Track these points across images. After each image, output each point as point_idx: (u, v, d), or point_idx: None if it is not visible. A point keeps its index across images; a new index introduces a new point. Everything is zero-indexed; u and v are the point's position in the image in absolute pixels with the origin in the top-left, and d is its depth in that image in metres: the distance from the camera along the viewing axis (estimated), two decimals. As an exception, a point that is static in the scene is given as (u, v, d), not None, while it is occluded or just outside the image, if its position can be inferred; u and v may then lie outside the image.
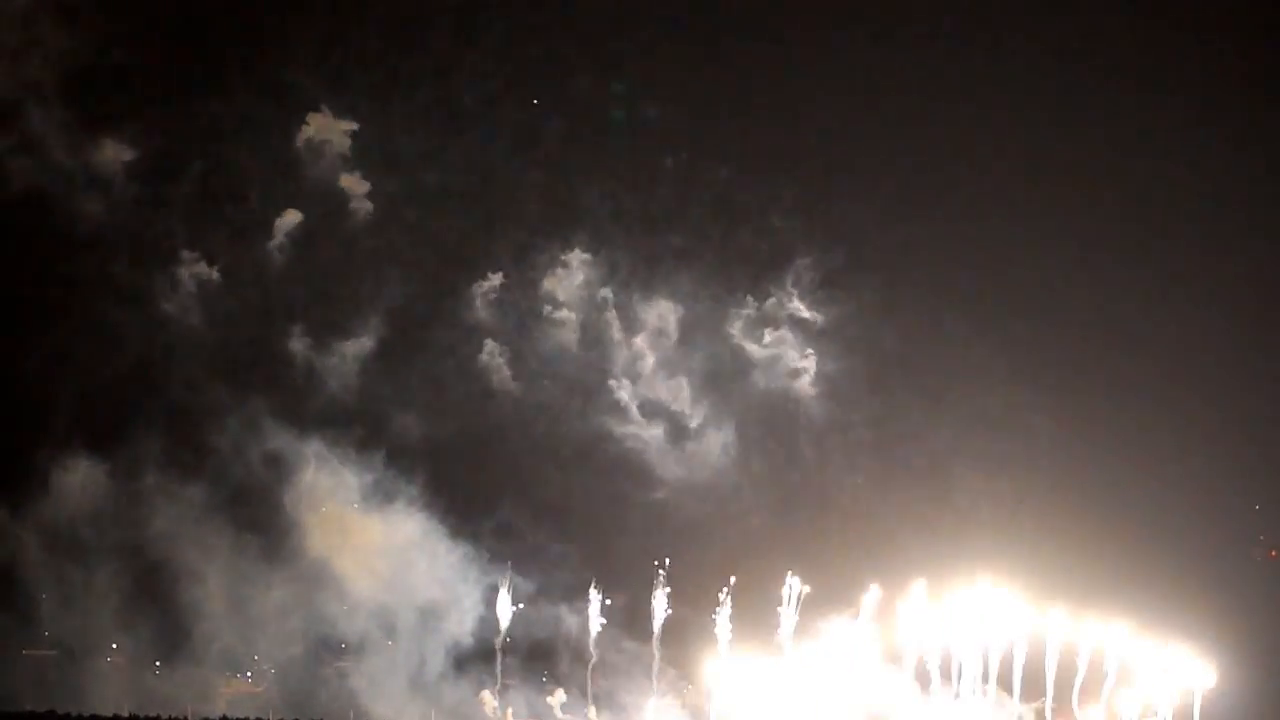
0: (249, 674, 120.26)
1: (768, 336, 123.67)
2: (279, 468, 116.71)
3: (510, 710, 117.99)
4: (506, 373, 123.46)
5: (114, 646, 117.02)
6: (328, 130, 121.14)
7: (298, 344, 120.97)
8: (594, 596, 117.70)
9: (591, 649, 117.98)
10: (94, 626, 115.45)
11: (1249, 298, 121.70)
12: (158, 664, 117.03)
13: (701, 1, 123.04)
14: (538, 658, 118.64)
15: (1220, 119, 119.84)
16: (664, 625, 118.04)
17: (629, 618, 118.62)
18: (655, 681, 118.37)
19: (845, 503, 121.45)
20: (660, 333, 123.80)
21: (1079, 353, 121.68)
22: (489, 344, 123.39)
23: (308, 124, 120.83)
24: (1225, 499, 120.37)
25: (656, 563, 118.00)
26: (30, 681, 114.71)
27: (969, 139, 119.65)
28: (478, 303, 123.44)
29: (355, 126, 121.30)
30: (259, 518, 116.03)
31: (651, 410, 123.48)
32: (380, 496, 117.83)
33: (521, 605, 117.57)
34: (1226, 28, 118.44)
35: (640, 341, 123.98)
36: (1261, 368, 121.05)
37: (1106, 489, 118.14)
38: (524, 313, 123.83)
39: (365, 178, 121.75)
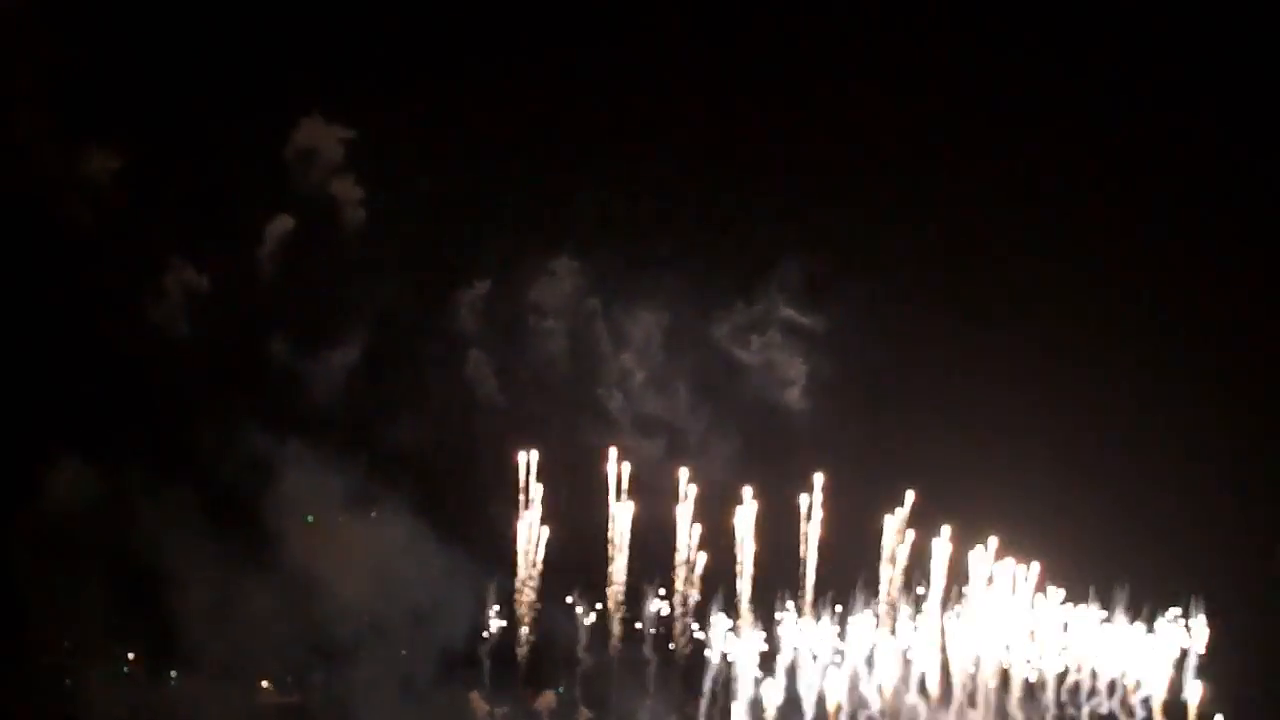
0: (266, 683, 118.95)
1: (757, 342, 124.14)
2: (266, 474, 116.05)
3: (501, 713, 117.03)
4: (493, 383, 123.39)
5: (130, 656, 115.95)
6: (320, 136, 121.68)
7: (286, 352, 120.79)
8: (583, 601, 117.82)
9: (581, 653, 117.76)
10: (90, 633, 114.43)
11: (1257, 289, 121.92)
12: (173, 673, 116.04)
13: (685, 8, 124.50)
14: (528, 661, 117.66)
15: (1220, 113, 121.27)
16: (660, 633, 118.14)
17: (624, 623, 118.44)
18: (650, 685, 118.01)
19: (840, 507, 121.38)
20: (649, 341, 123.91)
21: (1077, 353, 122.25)
22: (475, 354, 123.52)
23: (300, 129, 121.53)
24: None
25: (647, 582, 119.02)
26: (38, 692, 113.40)
27: (959, 139, 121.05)
28: (463, 311, 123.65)
29: (349, 132, 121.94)
30: (247, 524, 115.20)
31: (643, 420, 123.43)
32: (367, 502, 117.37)
33: (512, 610, 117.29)
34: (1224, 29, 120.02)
35: (630, 351, 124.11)
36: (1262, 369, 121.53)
37: (1102, 490, 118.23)
38: (510, 322, 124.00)
39: (358, 184, 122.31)
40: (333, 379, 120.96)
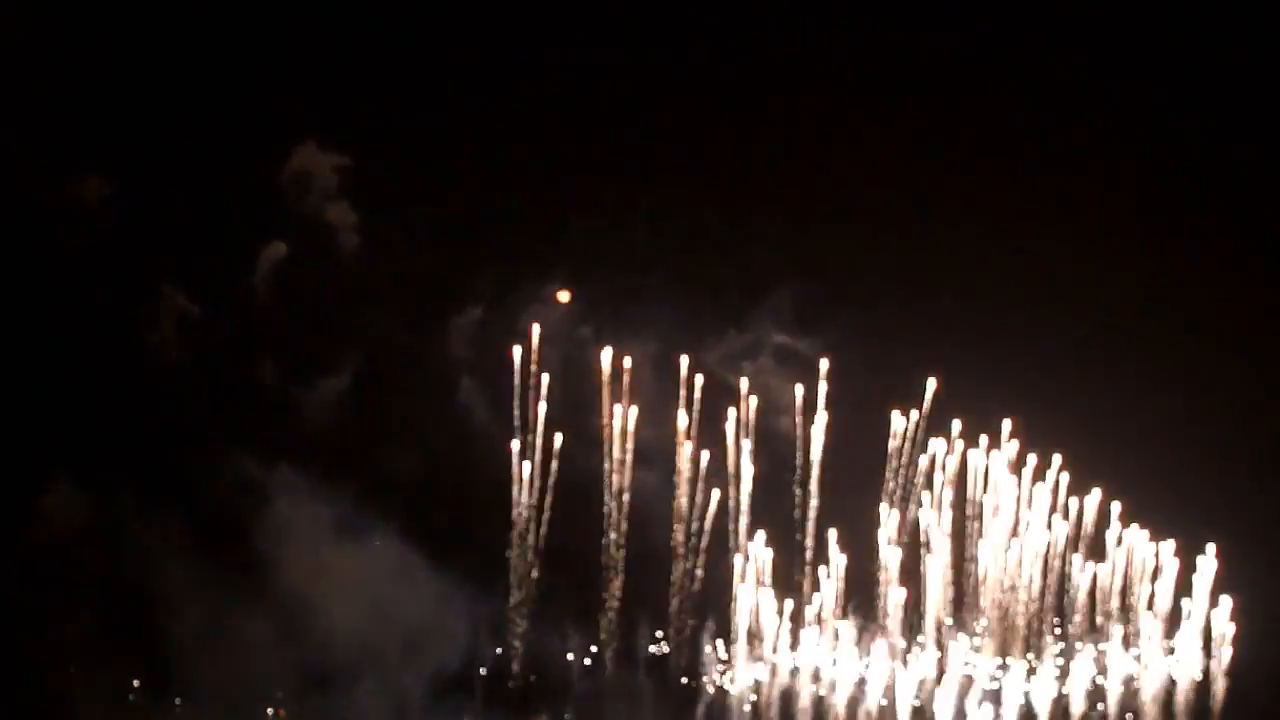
0: (277, 710, 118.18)
1: (751, 369, 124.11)
2: (258, 500, 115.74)
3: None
4: (486, 412, 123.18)
5: (135, 683, 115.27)
6: (315, 162, 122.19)
7: (279, 379, 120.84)
8: (576, 627, 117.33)
9: (575, 679, 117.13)
10: (91, 660, 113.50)
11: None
12: (178, 700, 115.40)
13: (677, 35, 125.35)
14: (521, 688, 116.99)
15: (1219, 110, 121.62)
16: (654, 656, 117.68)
17: (618, 649, 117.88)
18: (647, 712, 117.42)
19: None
20: (642, 368, 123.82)
21: (1074, 372, 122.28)
22: (466, 381, 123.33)
23: (295, 155, 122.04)
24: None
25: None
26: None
27: (955, 157, 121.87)
28: (454, 339, 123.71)
29: (344, 158, 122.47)
30: (239, 550, 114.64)
31: (637, 449, 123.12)
32: (360, 527, 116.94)
33: (505, 636, 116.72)
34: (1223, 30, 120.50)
35: (623, 378, 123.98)
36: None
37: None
38: (502, 349, 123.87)
39: (351, 210, 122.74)
40: (326, 405, 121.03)
